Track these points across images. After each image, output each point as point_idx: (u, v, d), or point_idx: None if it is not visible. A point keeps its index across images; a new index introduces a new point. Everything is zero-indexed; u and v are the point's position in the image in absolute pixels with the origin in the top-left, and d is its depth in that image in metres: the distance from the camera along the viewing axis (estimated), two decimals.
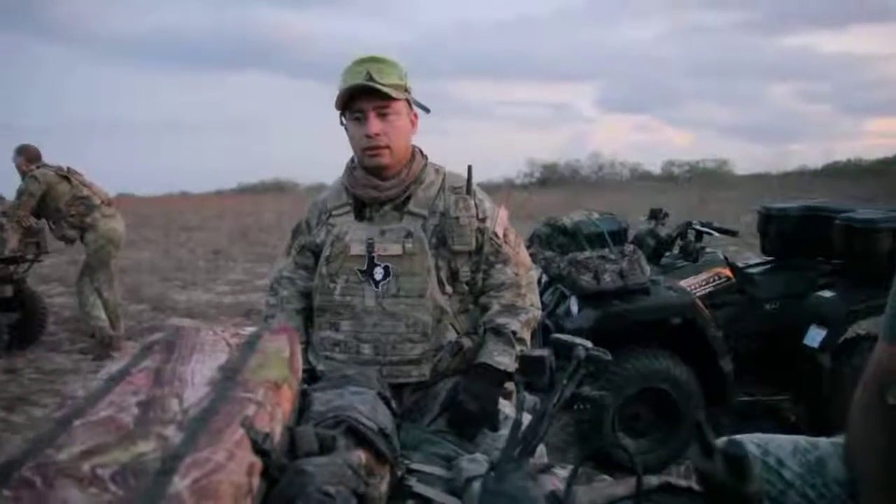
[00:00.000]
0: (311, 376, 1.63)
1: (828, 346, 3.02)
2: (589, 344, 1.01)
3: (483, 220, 1.60)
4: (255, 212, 18.41)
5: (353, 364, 1.55)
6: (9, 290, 5.03)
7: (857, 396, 1.14)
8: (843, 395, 3.04)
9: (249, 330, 1.03)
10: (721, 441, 1.28)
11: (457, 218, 1.56)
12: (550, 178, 30.83)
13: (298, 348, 1.04)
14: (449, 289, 1.58)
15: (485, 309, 1.62)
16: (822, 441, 1.23)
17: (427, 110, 1.66)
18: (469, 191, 1.61)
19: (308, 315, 1.68)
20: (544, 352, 0.96)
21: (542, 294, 3.51)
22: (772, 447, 1.20)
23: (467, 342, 1.59)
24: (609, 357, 0.99)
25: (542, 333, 3.33)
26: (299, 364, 1.01)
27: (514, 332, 1.56)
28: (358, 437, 0.92)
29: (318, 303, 1.61)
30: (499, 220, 1.64)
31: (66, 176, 4.95)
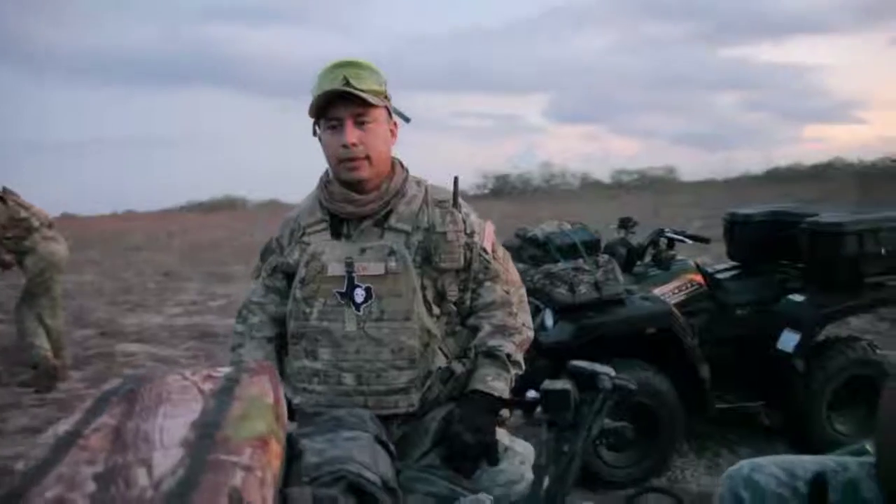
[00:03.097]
0: (287, 411, 1.48)
1: (802, 349, 3.01)
2: (612, 371, 0.90)
3: (471, 235, 1.49)
4: (205, 229, 17.90)
5: (334, 396, 1.41)
6: None
7: (885, 411, 1.07)
8: (818, 398, 3.05)
9: (224, 371, 0.89)
10: (743, 464, 1.20)
11: (444, 233, 1.44)
12: (503, 189, 31.01)
13: (281, 391, 0.90)
14: (436, 310, 1.46)
15: (474, 330, 1.51)
16: (850, 461, 1.15)
17: (407, 119, 1.54)
18: (456, 204, 1.49)
19: (281, 343, 1.53)
20: (567, 384, 0.85)
21: None
22: (799, 471, 1.12)
23: (459, 367, 1.47)
24: (635, 386, 0.89)
25: None
26: (284, 410, 0.88)
27: (508, 356, 1.45)
28: (360, 493, 0.79)
29: (293, 329, 1.46)
30: (486, 235, 1.53)
31: (1, 197, 4.65)
